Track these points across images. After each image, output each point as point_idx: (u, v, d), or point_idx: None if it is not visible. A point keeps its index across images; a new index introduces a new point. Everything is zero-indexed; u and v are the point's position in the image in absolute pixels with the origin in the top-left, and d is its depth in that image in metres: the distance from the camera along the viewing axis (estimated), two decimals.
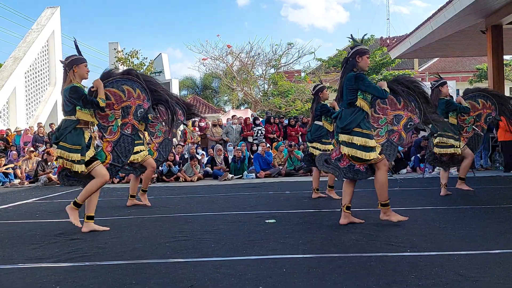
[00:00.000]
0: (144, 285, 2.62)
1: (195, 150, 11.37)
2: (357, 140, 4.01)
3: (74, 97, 4.06)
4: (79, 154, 4.08)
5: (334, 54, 27.05)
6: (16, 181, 10.75)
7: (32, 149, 11.89)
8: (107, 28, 69.70)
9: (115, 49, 17.41)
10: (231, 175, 10.35)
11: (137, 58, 15.46)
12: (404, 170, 10.38)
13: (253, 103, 25.02)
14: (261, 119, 13.65)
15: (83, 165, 4.11)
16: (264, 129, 12.65)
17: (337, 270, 2.79)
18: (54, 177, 9.87)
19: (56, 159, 4.25)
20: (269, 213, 5.11)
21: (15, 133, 13.67)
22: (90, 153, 4.19)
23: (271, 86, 26.53)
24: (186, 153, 11.40)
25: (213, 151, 11.42)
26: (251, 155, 11.40)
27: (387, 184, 4.14)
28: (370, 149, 4.03)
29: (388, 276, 2.63)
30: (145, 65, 15.63)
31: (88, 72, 4.27)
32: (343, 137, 4.09)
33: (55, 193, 8.31)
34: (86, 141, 4.17)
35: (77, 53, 4.29)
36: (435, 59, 29.64)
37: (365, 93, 4.08)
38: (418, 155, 10.43)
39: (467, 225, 4.05)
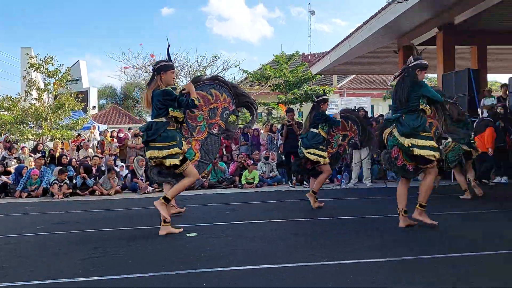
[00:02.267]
0: None
1: (113, 162, 10.86)
2: (426, 142, 4.28)
3: (168, 99, 4.30)
4: (177, 148, 4.29)
5: (258, 68, 27.57)
6: None
7: None
8: (19, 32, 65.11)
9: (27, 54, 16.26)
10: (151, 188, 10.03)
11: (52, 65, 14.49)
12: None
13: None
14: None
15: (177, 160, 4.30)
16: None
17: (263, 281, 2.77)
18: None
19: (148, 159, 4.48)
20: (191, 226, 4.98)
21: None
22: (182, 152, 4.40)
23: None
24: (103, 165, 10.87)
25: (134, 162, 10.98)
26: None
27: (432, 188, 4.46)
28: (436, 149, 4.36)
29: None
30: (60, 72, 14.68)
31: (174, 79, 4.47)
32: (412, 141, 4.29)
33: None
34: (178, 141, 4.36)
35: (167, 59, 4.55)
36: (352, 76, 31.31)
37: (423, 99, 4.39)
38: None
39: (382, 233, 4.24)
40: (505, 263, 3.15)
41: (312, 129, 6.16)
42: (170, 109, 4.37)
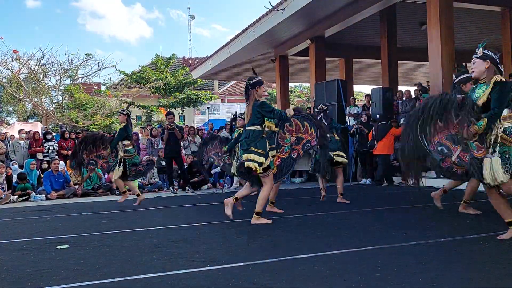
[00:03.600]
0: None
1: None
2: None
3: (266, 110, 4.95)
4: (263, 158, 4.88)
5: (138, 70, 26.66)
6: None
7: None
8: None
9: None
10: (14, 197, 9.05)
11: None
12: (206, 186, 10.77)
13: (44, 116, 22.57)
14: (54, 134, 12.40)
15: (261, 168, 4.87)
16: (57, 144, 11.51)
17: None
18: None
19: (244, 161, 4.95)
20: (61, 238, 4.60)
21: None
22: (268, 161, 4.96)
23: (67, 98, 24.45)
24: None
25: None
26: (41, 174, 10.20)
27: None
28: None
29: None
30: None
31: (263, 92, 5.12)
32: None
33: None
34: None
35: (255, 75, 5.12)
36: (233, 82, 32.04)
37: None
38: (218, 169, 10.87)
39: (261, 235, 4.38)
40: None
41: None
42: (265, 119, 5.02)
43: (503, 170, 3.46)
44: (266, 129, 5.10)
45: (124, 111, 7.72)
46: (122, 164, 7.39)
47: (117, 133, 7.77)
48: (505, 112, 3.62)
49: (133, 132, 8.47)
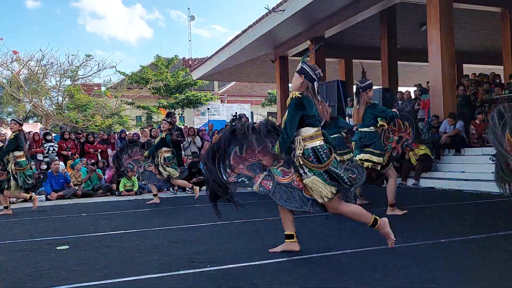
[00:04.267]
0: None
1: None
2: None
3: (379, 111, 5.18)
4: (381, 158, 5.18)
5: (138, 70, 26.63)
6: None
7: None
8: None
9: None
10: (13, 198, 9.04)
11: None
12: (205, 187, 10.75)
13: (44, 117, 22.56)
14: (54, 135, 12.39)
15: (379, 166, 5.21)
16: (57, 145, 11.50)
17: None
18: None
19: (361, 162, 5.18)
20: (61, 238, 4.60)
21: None
22: (385, 159, 5.25)
23: (67, 98, 24.44)
24: None
25: None
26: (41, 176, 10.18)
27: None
28: None
29: None
30: None
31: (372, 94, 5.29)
32: None
33: None
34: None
35: (365, 78, 5.30)
36: (233, 83, 32.05)
37: None
38: None
39: (261, 236, 4.38)
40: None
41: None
42: (378, 119, 5.18)
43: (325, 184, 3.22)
44: (380, 128, 5.32)
45: (170, 116, 8.44)
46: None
47: (156, 141, 7.82)
48: (310, 131, 3.31)
49: (134, 133, 8.47)
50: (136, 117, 27.10)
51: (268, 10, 11.30)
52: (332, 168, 3.25)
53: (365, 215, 3.40)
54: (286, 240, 3.56)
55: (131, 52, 68.94)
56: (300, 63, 3.50)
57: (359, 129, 5.34)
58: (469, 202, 6.13)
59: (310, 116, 3.31)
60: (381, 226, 3.41)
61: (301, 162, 3.27)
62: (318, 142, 3.29)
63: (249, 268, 3.17)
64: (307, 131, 3.31)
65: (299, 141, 3.29)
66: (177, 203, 7.77)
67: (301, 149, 3.27)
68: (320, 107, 3.45)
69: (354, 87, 5.41)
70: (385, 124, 5.34)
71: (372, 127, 5.22)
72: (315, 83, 3.45)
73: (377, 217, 3.41)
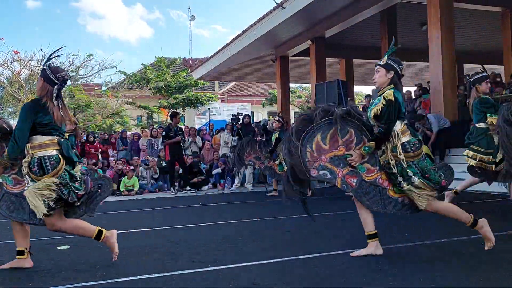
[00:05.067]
0: None
1: None
2: None
3: (485, 106, 4.84)
4: (491, 157, 4.79)
5: (139, 70, 26.61)
6: None
7: None
8: None
9: None
10: None
11: None
12: (206, 187, 10.75)
13: None
14: None
15: (494, 165, 4.74)
16: None
17: None
18: None
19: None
20: (61, 238, 4.59)
21: None
22: (499, 155, 4.67)
23: (67, 98, 24.44)
24: None
25: None
26: None
27: None
28: None
29: None
30: None
31: (489, 88, 4.99)
32: None
33: None
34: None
35: (483, 71, 4.96)
36: (233, 83, 32.03)
37: None
38: (219, 170, 10.85)
39: (261, 236, 4.38)
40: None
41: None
42: (488, 115, 4.84)
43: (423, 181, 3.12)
44: (490, 126, 4.88)
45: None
46: None
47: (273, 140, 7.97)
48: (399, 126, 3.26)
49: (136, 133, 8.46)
50: (136, 117, 27.09)
51: (276, 4, 11.30)
52: None
53: (458, 214, 3.30)
54: (368, 240, 3.35)
55: (132, 52, 68.95)
56: (386, 57, 3.41)
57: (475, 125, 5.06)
58: (469, 202, 6.13)
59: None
60: (479, 226, 3.33)
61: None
62: None
63: (249, 268, 3.17)
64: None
65: (397, 135, 3.21)
66: (177, 203, 7.77)
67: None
68: None
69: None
70: (494, 120, 4.78)
71: (482, 124, 4.92)
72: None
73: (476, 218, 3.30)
